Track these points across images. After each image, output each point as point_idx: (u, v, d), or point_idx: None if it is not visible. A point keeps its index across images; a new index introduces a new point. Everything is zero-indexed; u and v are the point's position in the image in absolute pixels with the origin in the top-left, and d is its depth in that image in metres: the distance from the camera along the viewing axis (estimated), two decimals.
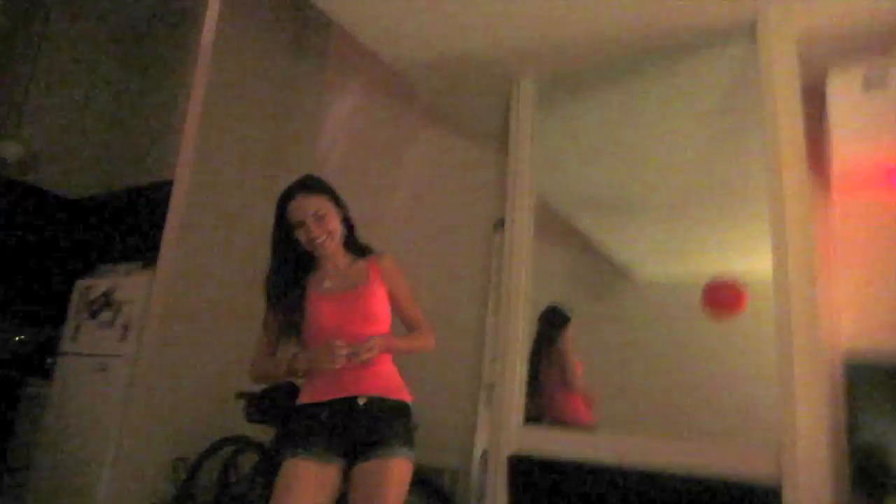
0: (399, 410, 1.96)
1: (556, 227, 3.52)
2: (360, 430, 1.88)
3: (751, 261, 3.48)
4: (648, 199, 3.67)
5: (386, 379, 1.99)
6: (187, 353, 3.88)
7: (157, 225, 4.17)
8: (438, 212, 3.84)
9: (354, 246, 2.12)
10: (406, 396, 2.01)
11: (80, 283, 4.44)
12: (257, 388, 3.44)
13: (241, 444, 3.59)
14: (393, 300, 2.08)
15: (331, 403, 1.91)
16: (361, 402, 1.91)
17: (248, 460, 3.60)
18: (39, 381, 4.56)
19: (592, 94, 3.11)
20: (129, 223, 5.02)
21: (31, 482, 4.11)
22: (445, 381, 3.48)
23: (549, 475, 2.35)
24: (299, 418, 1.95)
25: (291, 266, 2.05)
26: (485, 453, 2.85)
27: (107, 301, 4.16)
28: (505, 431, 2.53)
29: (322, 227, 1.98)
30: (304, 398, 1.99)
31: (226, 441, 3.60)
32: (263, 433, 3.53)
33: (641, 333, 3.74)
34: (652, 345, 3.68)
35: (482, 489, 2.81)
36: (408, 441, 1.91)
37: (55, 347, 4.51)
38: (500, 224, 3.15)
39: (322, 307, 1.97)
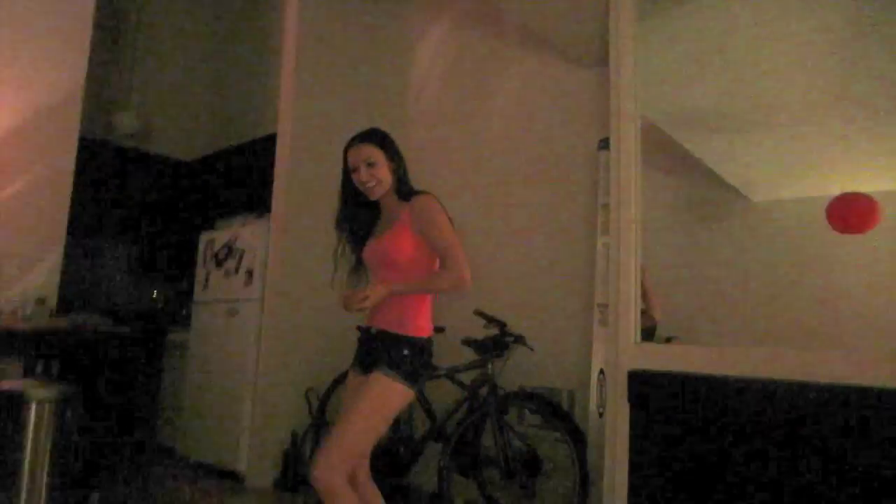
0: (395, 340, 2.13)
1: (662, 146, 3.44)
2: (370, 352, 2.19)
3: (885, 180, 3.29)
4: (767, 115, 3.49)
5: (391, 315, 2.16)
6: (308, 291, 4.11)
7: (266, 177, 4.40)
8: (539, 135, 3.81)
9: (402, 192, 2.27)
10: (408, 331, 2.15)
11: (204, 237, 4.77)
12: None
13: None
14: (426, 239, 2.18)
15: (360, 329, 2.28)
16: (373, 331, 2.20)
17: None
18: (179, 330, 4.98)
19: (700, 2, 2.96)
20: (240, 178, 5.29)
21: (182, 421, 4.55)
22: (558, 303, 3.53)
23: (669, 389, 2.37)
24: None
25: (352, 207, 2.31)
26: (602, 371, 2.90)
27: (229, 250, 4.46)
28: (622, 348, 2.55)
29: (372, 173, 2.20)
30: None
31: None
32: None
33: (759, 253, 3.63)
34: (771, 263, 3.56)
35: (602, 407, 2.87)
36: (395, 365, 2.08)
37: (189, 298, 4.90)
38: (603, 143, 3.10)
39: (367, 249, 2.27)
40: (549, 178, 3.72)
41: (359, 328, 2.29)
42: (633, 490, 2.35)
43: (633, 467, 2.37)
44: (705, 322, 3.38)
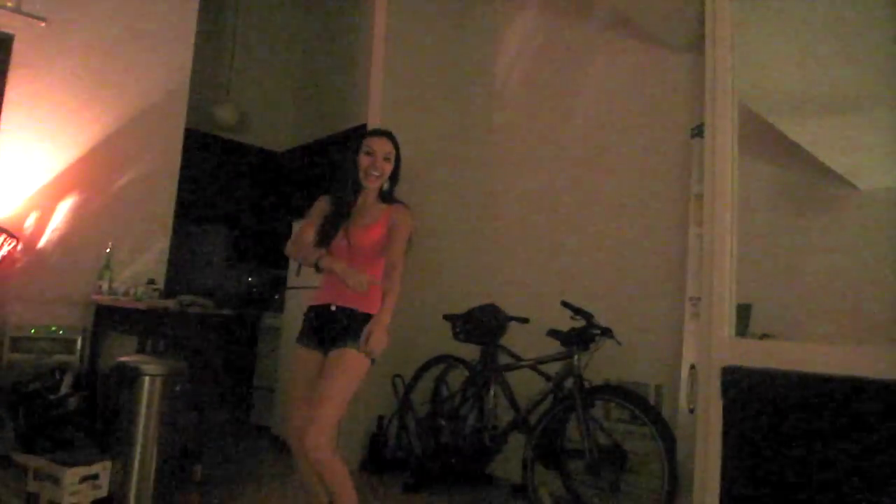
0: (363, 319, 2.32)
1: (758, 132, 3.29)
2: (332, 329, 2.38)
3: None
4: (876, 97, 3.27)
5: (355, 295, 2.32)
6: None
7: None
8: (629, 122, 3.73)
9: (386, 195, 2.53)
10: (372, 310, 2.33)
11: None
12: (462, 311, 3.68)
13: (450, 361, 3.87)
14: (388, 239, 2.43)
15: (314, 307, 2.47)
16: (334, 308, 2.39)
17: (457, 376, 3.89)
18: (272, 315, 5.21)
19: None
20: (329, 168, 5.45)
21: (275, 399, 4.76)
22: (646, 295, 3.45)
23: (765, 386, 2.28)
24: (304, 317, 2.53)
25: (352, 187, 2.48)
26: (693, 367, 2.82)
27: None
28: (716, 343, 2.48)
29: (383, 166, 2.46)
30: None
31: (436, 359, 3.91)
32: (470, 352, 3.78)
33: (865, 244, 3.41)
34: (879, 255, 3.35)
35: (692, 402, 2.80)
36: (362, 340, 2.25)
37: (282, 283, 5.11)
38: (697, 131, 3.00)
39: (355, 231, 2.42)
40: (639, 167, 3.64)
41: (311, 307, 2.48)
42: (725, 489, 2.29)
43: (726, 466, 2.31)
44: (804, 317, 3.22)
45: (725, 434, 2.32)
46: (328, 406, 2.22)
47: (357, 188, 2.49)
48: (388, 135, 2.53)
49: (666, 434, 2.80)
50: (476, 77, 4.70)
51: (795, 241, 3.49)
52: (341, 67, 6.05)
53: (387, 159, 2.47)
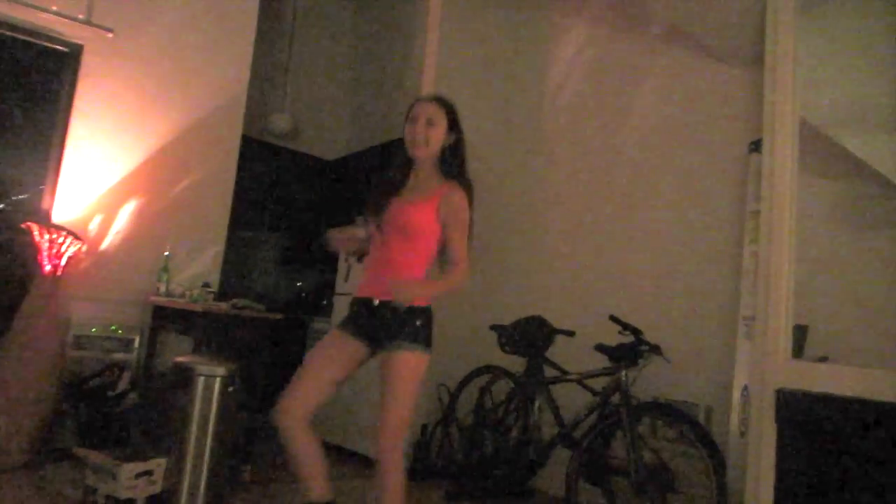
0: (408, 313, 2.14)
1: (818, 147, 3.20)
2: (377, 325, 2.18)
3: None
4: None
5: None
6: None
7: None
8: (683, 136, 3.68)
9: (447, 168, 2.22)
10: (419, 302, 2.15)
11: None
12: (509, 322, 3.68)
13: (496, 372, 3.87)
14: (443, 228, 2.18)
15: (358, 300, 2.26)
16: (376, 302, 2.18)
17: (502, 387, 3.88)
18: (321, 319, 5.29)
19: None
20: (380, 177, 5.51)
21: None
22: (698, 313, 3.39)
23: (822, 411, 2.21)
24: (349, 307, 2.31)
25: (400, 159, 2.26)
26: (746, 388, 2.75)
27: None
28: (771, 365, 2.42)
29: (426, 131, 2.16)
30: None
31: (481, 370, 3.91)
32: (515, 364, 3.77)
33: None
34: None
35: (744, 425, 2.73)
36: (421, 339, 2.15)
37: (331, 289, 5.18)
38: (755, 146, 2.94)
39: (393, 206, 2.18)
40: (693, 182, 3.58)
41: (355, 299, 2.27)
42: None
43: (779, 492, 2.24)
44: (864, 340, 3.10)
45: (779, 459, 2.26)
46: (396, 409, 2.11)
47: (409, 163, 2.24)
48: (436, 99, 2.24)
49: (715, 455, 2.73)
50: (527, 86, 4.70)
51: (857, 260, 3.38)
52: (394, 77, 6.13)
53: (430, 123, 2.16)
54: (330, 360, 2.22)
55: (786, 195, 2.53)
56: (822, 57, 3.04)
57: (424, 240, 2.17)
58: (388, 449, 2.11)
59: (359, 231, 2.28)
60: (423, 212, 2.15)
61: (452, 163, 2.22)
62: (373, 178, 2.32)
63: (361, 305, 2.23)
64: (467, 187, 2.20)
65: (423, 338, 2.16)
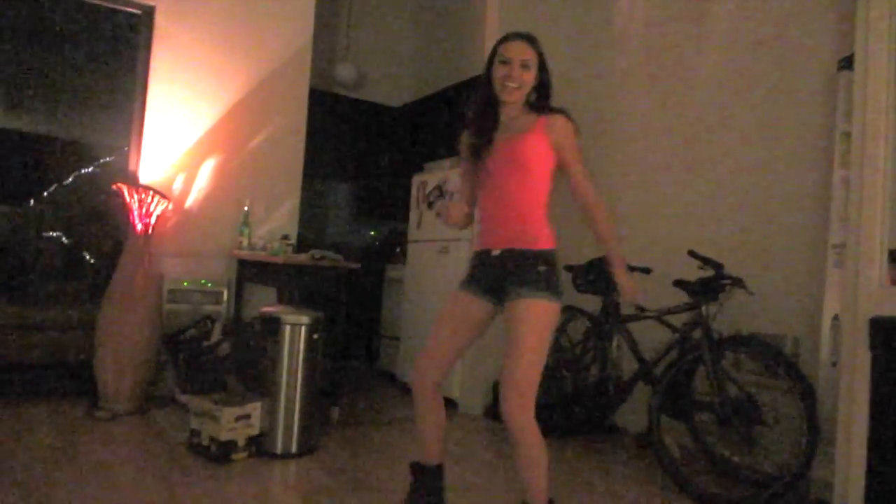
0: (531, 258, 2.01)
1: None
2: (499, 277, 2.05)
3: None
4: None
5: (514, 231, 2.06)
6: None
7: None
8: (765, 55, 3.46)
9: (537, 105, 2.13)
10: (539, 245, 2.04)
11: (416, 179, 5.06)
12: (583, 261, 3.65)
13: (572, 312, 3.87)
14: (560, 156, 2.08)
15: (478, 254, 2.15)
16: (496, 253, 2.06)
17: (578, 327, 3.88)
18: (395, 266, 5.40)
19: None
20: (446, 121, 5.48)
21: (402, 347, 4.98)
22: (783, 243, 3.26)
23: None
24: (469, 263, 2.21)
25: (485, 105, 2.13)
26: (836, 318, 2.65)
27: (440, 192, 4.70)
28: (864, 293, 2.32)
29: (520, 73, 2.06)
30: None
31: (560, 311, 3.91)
32: (591, 302, 3.76)
33: None
34: None
35: (835, 355, 2.64)
36: (548, 286, 1.99)
37: (404, 237, 5.27)
38: (846, 63, 2.75)
39: (495, 149, 2.09)
40: (776, 105, 3.39)
41: (475, 253, 2.17)
42: (874, 445, 2.17)
43: (874, 421, 2.18)
44: None
45: (873, 388, 2.18)
46: (524, 366, 1.93)
47: (495, 106, 2.12)
48: (526, 37, 2.11)
49: (804, 387, 2.66)
50: (595, 18, 4.52)
51: None
52: (456, 18, 6.01)
53: (525, 66, 2.06)
54: (460, 324, 2.13)
55: (880, 114, 2.37)
56: None
57: (541, 170, 2.07)
58: (516, 411, 1.92)
59: (462, 206, 2.20)
60: (533, 141, 2.05)
61: (541, 99, 2.14)
62: (464, 136, 2.20)
63: (481, 258, 2.12)
64: (567, 115, 2.10)
65: (550, 284, 2.00)
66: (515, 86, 2.06)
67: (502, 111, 2.13)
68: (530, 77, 2.08)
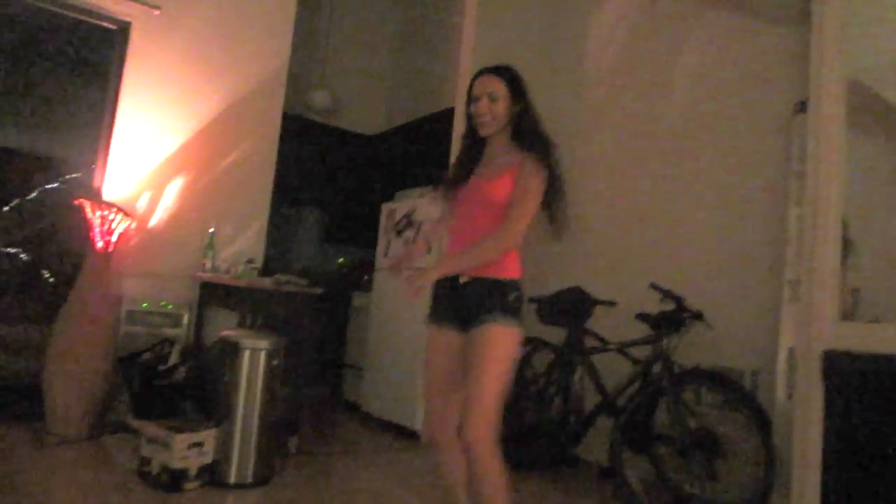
0: (499, 286, 2.02)
1: (867, 105, 3.08)
2: (467, 304, 2.05)
3: None
4: None
5: (489, 261, 2.04)
6: None
7: (444, 150, 4.56)
8: (726, 98, 3.58)
9: (520, 137, 2.12)
10: (507, 274, 2.05)
11: (386, 207, 5.07)
12: (548, 292, 3.67)
13: (536, 344, 3.88)
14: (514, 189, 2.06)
15: (441, 282, 2.12)
16: (462, 280, 2.06)
17: (542, 359, 3.89)
18: (361, 294, 5.37)
19: None
20: (419, 151, 5.54)
21: (365, 377, 4.91)
22: (742, 278, 3.33)
23: (870, 371, 2.16)
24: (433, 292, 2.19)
25: (469, 140, 2.20)
26: (791, 351, 2.70)
27: (408, 221, 4.70)
28: (818, 327, 2.37)
29: (490, 109, 2.08)
30: None
31: (523, 342, 3.91)
32: (556, 335, 3.77)
33: None
34: None
35: (790, 388, 2.68)
36: (512, 312, 2.00)
37: (371, 264, 5.25)
38: (800, 106, 2.85)
39: (463, 188, 2.12)
40: (735, 145, 3.50)
41: (438, 281, 2.10)
42: (827, 478, 2.19)
43: (827, 454, 2.21)
44: None
45: (827, 421, 2.22)
46: (483, 391, 1.91)
47: (480, 141, 2.16)
48: (493, 70, 2.13)
49: (761, 419, 2.70)
50: (568, 54, 4.64)
51: None
52: (432, 50, 6.11)
53: (493, 99, 2.08)
54: (448, 360, 2.09)
55: (833, 155, 2.46)
56: (872, 11, 2.92)
57: (505, 210, 2.06)
58: (475, 438, 1.88)
59: (414, 256, 2.27)
60: (504, 184, 2.05)
61: (524, 131, 2.12)
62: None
63: (444, 286, 2.11)
64: (541, 150, 2.08)
65: (513, 311, 2.01)
66: (487, 120, 2.09)
67: (487, 145, 2.17)
68: (500, 108, 2.09)
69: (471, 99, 2.14)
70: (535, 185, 2.04)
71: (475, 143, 2.19)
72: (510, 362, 2.00)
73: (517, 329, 2.01)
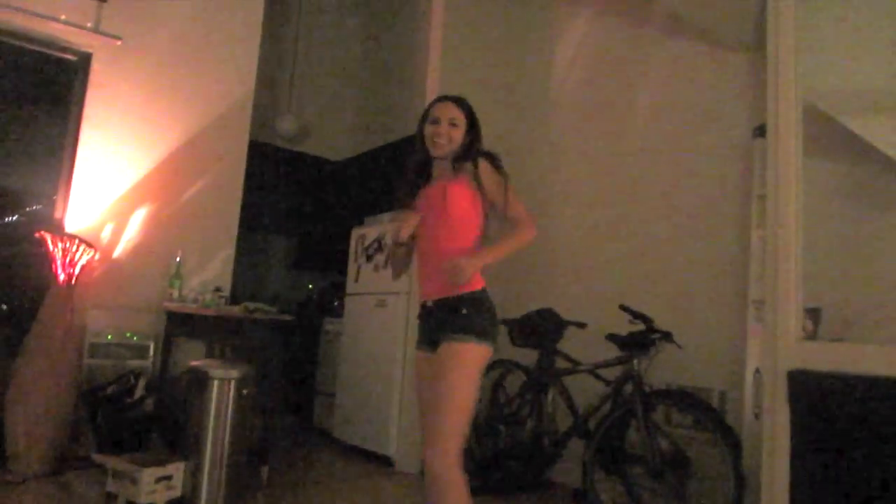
0: (453, 303, 2.04)
1: (824, 130, 3.19)
2: (433, 327, 2.10)
3: None
4: None
5: (440, 281, 2.06)
6: None
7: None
8: (687, 124, 3.69)
9: (465, 158, 2.19)
10: (468, 287, 2.05)
11: (355, 233, 5.06)
12: (518, 315, 3.69)
13: (508, 366, 3.88)
14: (489, 199, 2.14)
15: (422, 308, 2.18)
16: (429, 304, 2.13)
17: (514, 381, 3.89)
18: (333, 320, 5.33)
19: None
20: (388, 176, 5.54)
21: (337, 404, 4.86)
22: (708, 299, 3.39)
23: (835, 391, 2.21)
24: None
25: (419, 160, 2.27)
26: (758, 371, 2.76)
27: (379, 246, 4.70)
28: (782, 346, 2.42)
29: (449, 132, 2.16)
30: None
31: (494, 364, 3.92)
32: (527, 356, 3.78)
33: None
34: None
35: (757, 408, 2.73)
36: (464, 328, 1.99)
37: (342, 290, 5.22)
38: (759, 131, 2.94)
39: (419, 200, 2.20)
40: (698, 169, 3.59)
41: (420, 306, 2.19)
42: (794, 497, 2.23)
43: (794, 473, 2.24)
44: (879, 321, 3.10)
45: (793, 440, 2.26)
46: (441, 420, 1.89)
47: (427, 162, 2.25)
48: (454, 99, 2.24)
49: (730, 438, 2.74)
50: (532, 81, 4.72)
51: (867, 242, 3.37)
52: (398, 78, 6.16)
53: (454, 125, 2.17)
54: (427, 388, 2.09)
55: (791, 178, 2.53)
56: (825, 39, 3.03)
57: (466, 217, 2.13)
58: (434, 459, 1.87)
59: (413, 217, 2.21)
60: (455, 190, 2.11)
61: (467, 156, 2.20)
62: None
63: (422, 311, 2.17)
64: (486, 155, 2.18)
65: (474, 326, 1.99)
66: (444, 142, 2.16)
67: (434, 167, 2.26)
68: (458, 134, 2.19)
69: (428, 120, 2.21)
70: (501, 179, 2.14)
71: (422, 167, 2.27)
72: (471, 379, 1.96)
73: (477, 343, 1.98)
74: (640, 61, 4.02)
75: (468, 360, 1.97)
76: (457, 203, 2.11)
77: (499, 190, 2.13)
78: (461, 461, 1.87)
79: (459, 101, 2.24)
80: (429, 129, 2.19)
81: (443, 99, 2.25)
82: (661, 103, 3.88)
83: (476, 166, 2.13)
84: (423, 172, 2.27)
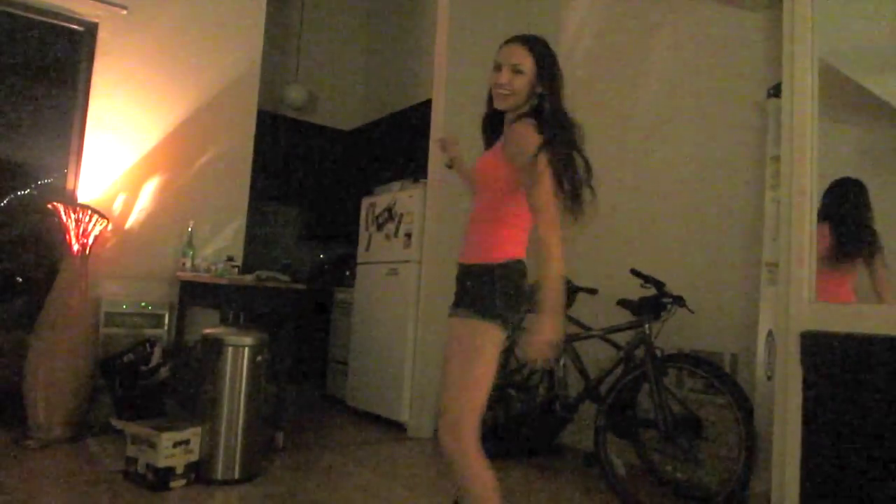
0: (476, 273, 1.84)
1: (841, 90, 3.13)
2: (458, 291, 1.91)
3: None
4: None
5: (472, 244, 1.92)
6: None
7: (422, 142, 4.55)
8: (701, 85, 3.63)
9: (530, 112, 1.90)
10: (487, 258, 1.83)
11: (366, 202, 5.05)
12: (531, 281, 3.68)
13: (519, 332, 3.89)
14: (515, 172, 1.84)
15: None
16: (460, 265, 1.94)
17: None
18: (345, 289, 5.35)
19: None
20: (397, 144, 5.51)
21: (350, 371, 4.91)
22: (720, 262, 3.37)
23: (847, 351, 2.20)
24: None
25: (488, 115, 2.03)
26: (770, 333, 2.75)
27: (389, 215, 4.70)
28: (795, 309, 2.40)
29: (511, 80, 1.86)
30: None
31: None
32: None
33: None
34: None
35: (770, 370, 2.73)
36: (469, 303, 1.82)
37: (353, 259, 5.23)
38: (774, 91, 2.88)
39: (475, 164, 2.02)
40: (712, 130, 3.54)
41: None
42: (806, 459, 2.24)
43: (806, 435, 2.25)
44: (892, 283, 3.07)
45: (805, 401, 2.26)
46: (455, 388, 1.78)
47: (499, 114, 1.96)
48: (522, 39, 1.90)
49: (741, 401, 2.74)
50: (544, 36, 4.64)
51: (881, 204, 3.32)
52: (407, 45, 6.08)
53: (518, 71, 1.85)
54: None
55: (806, 140, 2.49)
56: None
57: (497, 187, 1.88)
58: (451, 440, 1.75)
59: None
60: (488, 158, 1.91)
61: (536, 110, 1.88)
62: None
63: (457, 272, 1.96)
64: (528, 123, 1.83)
65: (476, 302, 1.80)
66: (506, 92, 1.87)
67: (505, 122, 1.96)
68: (523, 83, 1.86)
69: (493, 68, 1.91)
70: (529, 156, 1.76)
71: (493, 115, 1.99)
72: (478, 359, 1.76)
73: (479, 322, 1.77)
74: (653, 21, 3.95)
75: (481, 339, 1.77)
76: (484, 171, 1.91)
77: (522, 166, 1.78)
78: (470, 433, 1.74)
79: (528, 42, 1.89)
80: (492, 78, 1.90)
81: (511, 40, 1.92)
82: (674, 64, 3.81)
83: (508, 133, 1.86)
84: (492, 126, 2.00)
